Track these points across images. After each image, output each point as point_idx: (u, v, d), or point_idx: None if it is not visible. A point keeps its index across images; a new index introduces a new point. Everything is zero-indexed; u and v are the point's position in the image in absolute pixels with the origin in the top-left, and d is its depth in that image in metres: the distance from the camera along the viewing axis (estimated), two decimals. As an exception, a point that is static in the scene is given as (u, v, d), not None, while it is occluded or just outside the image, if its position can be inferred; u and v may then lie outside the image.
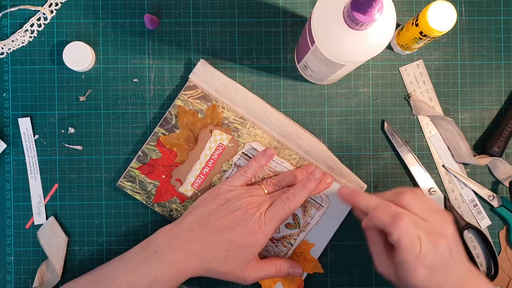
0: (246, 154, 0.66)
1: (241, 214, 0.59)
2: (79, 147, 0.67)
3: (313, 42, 0.53)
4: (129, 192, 0.66)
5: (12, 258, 0.67)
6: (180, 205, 0.66)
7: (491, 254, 0.67)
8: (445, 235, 0.55)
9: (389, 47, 0.68)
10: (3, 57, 0.67)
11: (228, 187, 0.62)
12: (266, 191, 0.62)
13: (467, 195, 0.68)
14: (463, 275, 0.56)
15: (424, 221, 0.56)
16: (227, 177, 0.66)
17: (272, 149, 0.65)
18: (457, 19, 0.58)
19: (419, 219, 0.56)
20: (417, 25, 0.59)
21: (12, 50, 0.67)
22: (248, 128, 0.66)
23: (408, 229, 0.54)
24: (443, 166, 0.68)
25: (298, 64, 0.66)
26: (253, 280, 0.61)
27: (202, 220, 0.60)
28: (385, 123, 0.67)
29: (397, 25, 0.67)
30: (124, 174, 0.66)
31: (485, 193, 0.67)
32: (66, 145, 0.67)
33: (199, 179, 0.66)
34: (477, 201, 0.68)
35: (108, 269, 0.60)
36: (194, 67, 0.66)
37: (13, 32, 0.67)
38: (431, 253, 0.54)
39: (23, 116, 0.67)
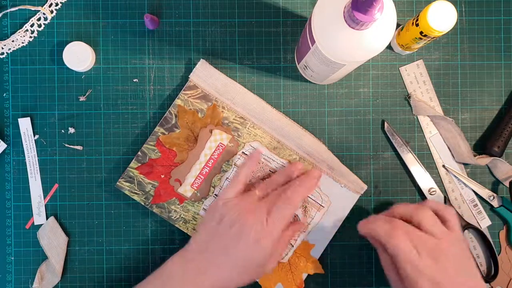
0: (246, 154, 0.66)
1: (239, 226, 0.58)
2: (79, 147, 0.67)
3: (313, 42, 0.53)
4: (127, 193, 0.66)
5: (12, 258, 0.67)
6: (179, 206, 0.66)
7: (491, 254, 0.67)
8: (449, 254, 0.55)
9: (389, 47, 0.68)
10: (3, 57, 0.67)
11: (222, 201, 0.61)
12: (260, 194, 0.62)
13: (467, 195, 0.68)
14: None
15: (431, 237, 0.56)
16: (227, 178, 0.66)
17: (257, 151, 0.64)
18: (457, 19, 0.58)
19: (422, 234, 0.56)
20: (417, 25, 0.59)
21: (12, 50, 0.67)
22: (248, 128, 0.66)
23: (401, 240, 0.55)
24: (443, 166, 0.68)
25: (298, 64, 0.66)
26: (273, 268, 0.61)
27: (206, 243, 0.59)
28: (385, 123, 0.67)
29: (397, 25, 0.67)
30: (122, 174, 0.66)
31: (485, 193, 0.67)
32: (66, 145, 0.67)
33: (199, 179, 0.66)
34: (477, 201, 0.68)
35: None
36: (194, 67, 0.66)
37: (13, 32, 0.67)
38: (431, 267, 0.55)
39: (23, 116, 0.67)
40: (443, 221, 0.58)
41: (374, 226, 0.58)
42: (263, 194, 0.62)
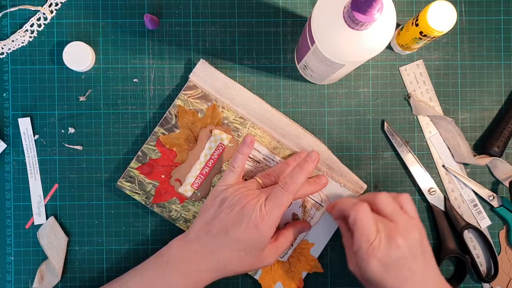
0: (246, 154, 0.66)
1: (240, 208, 0.58)
2: (79, 147, 0.67)
3: (313, 42, 0.53)
4: (128, 192, 0.66)
5: (12, 258, 0.67)
6: (179, 206, 0.66)
7: (491, 254, 0.67)
8: (406, 237, 0.56)
9: (389, 47, 0.68)
10: (3, 57, 0.67)
11: (222, 187, 0.61)
12: (260, 181, 0.62)
13: (467, 195, 0.68)
14: (431, 284, 0.56)
15: (390, 221, 0.57)
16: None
17: (250, 135, 0.63)
18: (457, 19, 0.58)
19: (383, 218, 0.58)
20: (417, 25, 0.59)
21: (12, 50, 0.67)
22: (248, 128, 0.66)
23: (365, 213, 0.57)
24: (443, 166, 0.68)
25: (298, 64, 0.66)
26: (273, 261, 0.61)
27: (206, 226, 0.59)
28: (385, 123, 0.67)
29: (397, 25, 0.67)
30: (123, 174, 0.66)
31: (485, 193, 0.67)
32: (66, 145, 0.67)
33: (199, 179, 0.66)
34: (477, 201, 0.68)
35: (122, 279, 0.60)
36: (194, 67, 0.66)
37: (13, 32, 0.67)
38: (384, 247, 0.55)
39: (23, 116, 0.67)
40: (400, 208, 0.59)
41: (342, 201, 0.61)
42: (264, 182, 0.62)
